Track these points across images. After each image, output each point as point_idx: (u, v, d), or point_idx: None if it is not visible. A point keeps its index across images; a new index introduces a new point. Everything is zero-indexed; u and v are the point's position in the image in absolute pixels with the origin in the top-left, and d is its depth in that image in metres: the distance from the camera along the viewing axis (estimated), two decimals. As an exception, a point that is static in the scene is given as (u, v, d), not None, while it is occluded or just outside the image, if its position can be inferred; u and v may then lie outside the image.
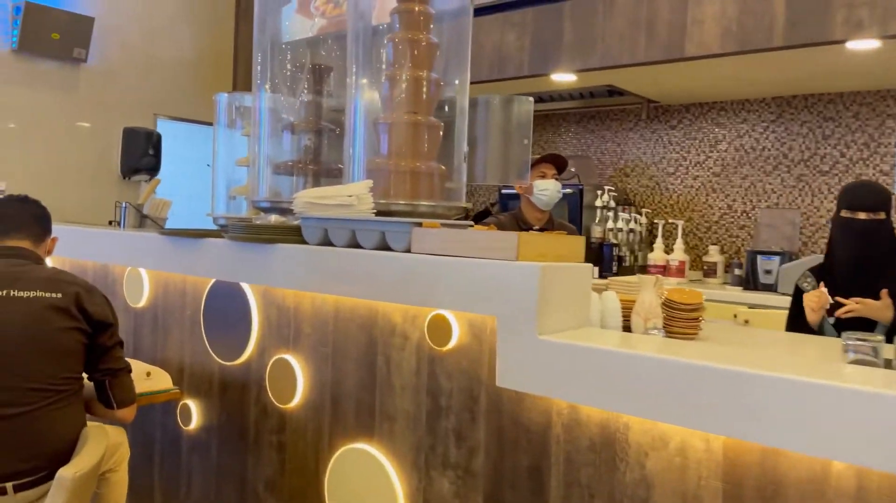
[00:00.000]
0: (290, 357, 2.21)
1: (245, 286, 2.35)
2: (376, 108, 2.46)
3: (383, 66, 2.37)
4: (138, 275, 2.79)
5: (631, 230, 4.27)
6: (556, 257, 1.73)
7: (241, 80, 5.22)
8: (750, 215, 4.15)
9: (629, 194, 4.56)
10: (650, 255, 4.14)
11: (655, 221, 4.41)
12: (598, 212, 4.18)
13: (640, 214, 4.40)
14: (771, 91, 4.01)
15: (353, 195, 2.07)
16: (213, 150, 2.95)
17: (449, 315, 1.80)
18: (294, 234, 2.16)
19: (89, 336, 1.92)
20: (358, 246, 1.99)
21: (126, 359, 2.06)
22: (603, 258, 4.03)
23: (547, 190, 3.13)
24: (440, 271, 1.73)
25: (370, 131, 2.41)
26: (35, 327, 1.84)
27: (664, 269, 4.05)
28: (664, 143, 4.45)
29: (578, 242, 1.81)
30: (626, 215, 4.26)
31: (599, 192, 4.21)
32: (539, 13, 3.45)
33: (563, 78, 3.69)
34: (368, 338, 1.99)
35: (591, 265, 1.76)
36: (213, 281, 2.49)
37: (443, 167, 2.36)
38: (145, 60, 4.90)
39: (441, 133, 2.39)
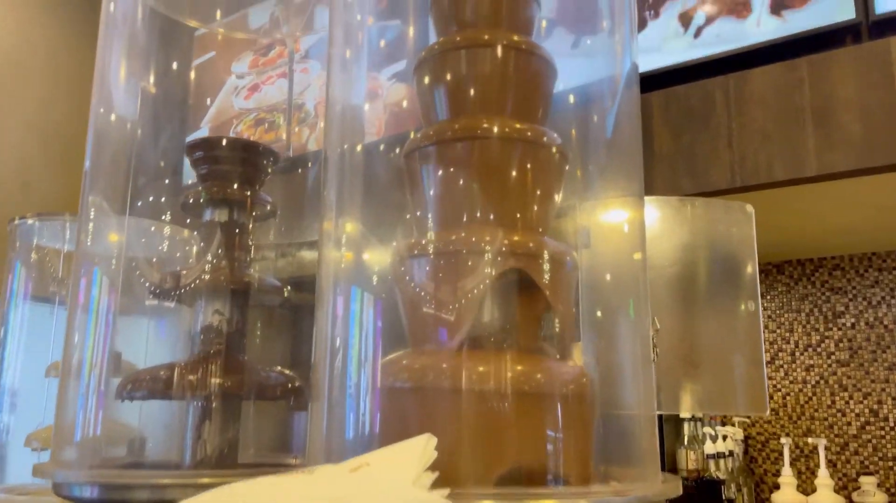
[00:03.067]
0: None
1: None
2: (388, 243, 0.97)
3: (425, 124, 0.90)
4: None
5: (730, 453, 2.75)
6: None
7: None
8: (911, 425, 2.71)
9: (705, 394, 3.09)
10: (775, 497, 2.58)
11: (756, 437, 2.92)
12: (686, 426, 2.66)
13: (734, 425, 2.90)
14: (914, 239, 2.75)
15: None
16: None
17: None
18: None
19: None
20: None
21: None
22: (708, 506, 2.45)
23: None
24: None
25: (392, 290, 0.90)
26: None
27: (804, 520, 2.49)
28: (751, 318, 3.07)
29: None
30: (721, 429, 2.75)
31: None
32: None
33: (642, 215, 2.33)
34: None
35: None
36: None
37: (584, 373, 0.84)
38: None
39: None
